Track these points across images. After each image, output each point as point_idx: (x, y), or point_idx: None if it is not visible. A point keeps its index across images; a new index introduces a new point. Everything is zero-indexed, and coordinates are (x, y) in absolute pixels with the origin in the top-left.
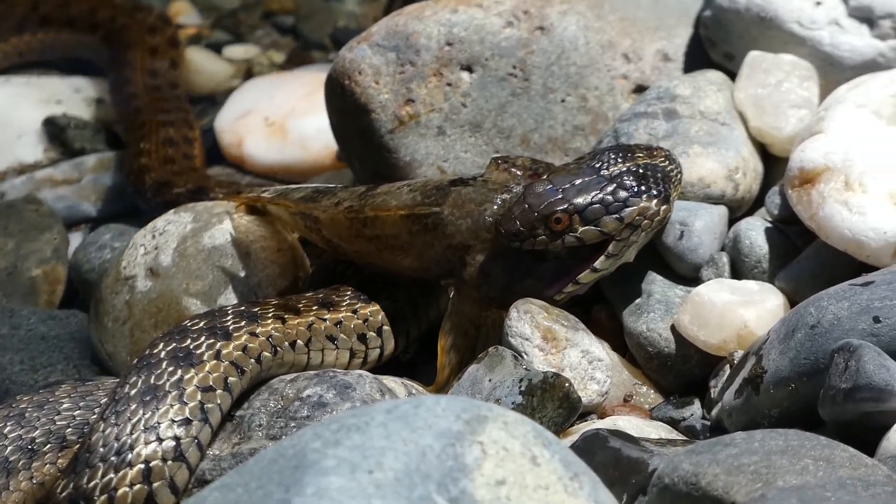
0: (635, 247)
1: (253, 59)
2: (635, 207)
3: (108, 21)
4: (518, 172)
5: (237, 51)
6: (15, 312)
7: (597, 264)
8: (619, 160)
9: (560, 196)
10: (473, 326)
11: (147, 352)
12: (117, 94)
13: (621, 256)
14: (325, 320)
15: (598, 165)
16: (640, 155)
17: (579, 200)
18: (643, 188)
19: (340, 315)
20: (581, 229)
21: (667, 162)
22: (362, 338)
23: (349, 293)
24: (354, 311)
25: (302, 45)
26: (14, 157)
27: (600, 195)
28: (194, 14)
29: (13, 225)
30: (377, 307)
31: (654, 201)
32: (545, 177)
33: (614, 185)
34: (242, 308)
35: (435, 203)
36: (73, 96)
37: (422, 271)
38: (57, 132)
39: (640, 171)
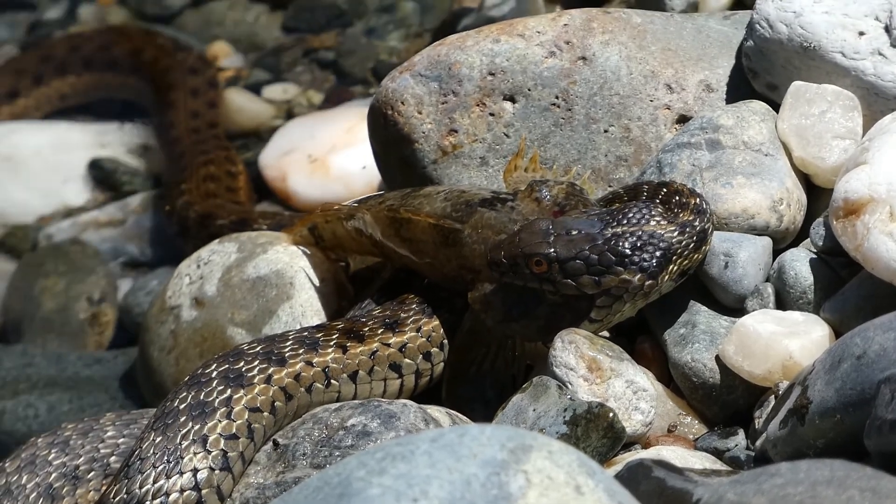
0: (622, 316)
1: (293, 100)
2: (616, 277)
3: (150, 63)
4: (547, 204)
5: (276, 90)
6: (62, 357)
7: (581, 327)
8: (634, 219)
9: (551, 240)
10: (481, 345)
11: (199, 371)
12: (162, 137)
13: (606, 323)
14: (389, 345)
15: (608, 218)
16: (658, 219)
17: (564, 251)
18: (633, 259)
19: (405, 337)
20: (559, 280)
21: (678, 233)
22: (427, 356)
23: (415, 305)
24: (419, 329)
25: (342, 82)
26: (60, 201)
27: (587, 253)
28: (233, 56)
29: (61, 266)
30: (438, 322)
31: (638, 276)
32: (559, 214)
33: (606, 247)
34: (305, 333)
35: (460, 220)
36: (116, 139)
37: (447, 282)
38: (103, 176)
39: (643, 239)
